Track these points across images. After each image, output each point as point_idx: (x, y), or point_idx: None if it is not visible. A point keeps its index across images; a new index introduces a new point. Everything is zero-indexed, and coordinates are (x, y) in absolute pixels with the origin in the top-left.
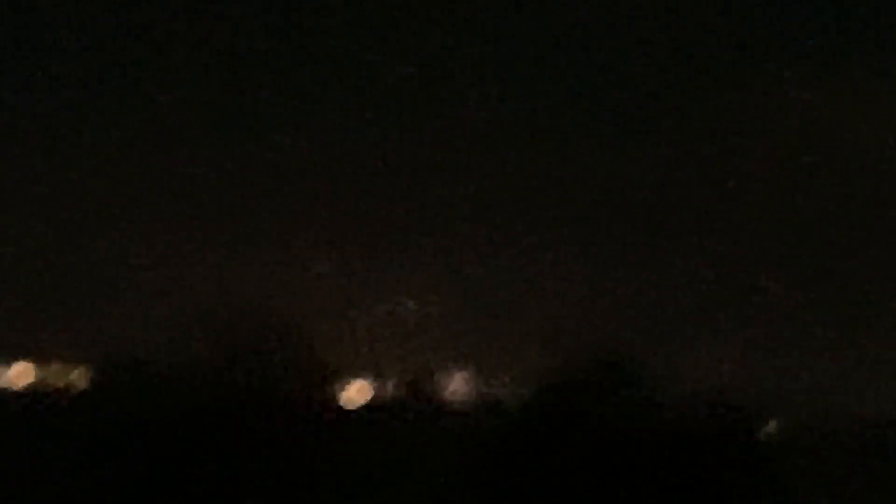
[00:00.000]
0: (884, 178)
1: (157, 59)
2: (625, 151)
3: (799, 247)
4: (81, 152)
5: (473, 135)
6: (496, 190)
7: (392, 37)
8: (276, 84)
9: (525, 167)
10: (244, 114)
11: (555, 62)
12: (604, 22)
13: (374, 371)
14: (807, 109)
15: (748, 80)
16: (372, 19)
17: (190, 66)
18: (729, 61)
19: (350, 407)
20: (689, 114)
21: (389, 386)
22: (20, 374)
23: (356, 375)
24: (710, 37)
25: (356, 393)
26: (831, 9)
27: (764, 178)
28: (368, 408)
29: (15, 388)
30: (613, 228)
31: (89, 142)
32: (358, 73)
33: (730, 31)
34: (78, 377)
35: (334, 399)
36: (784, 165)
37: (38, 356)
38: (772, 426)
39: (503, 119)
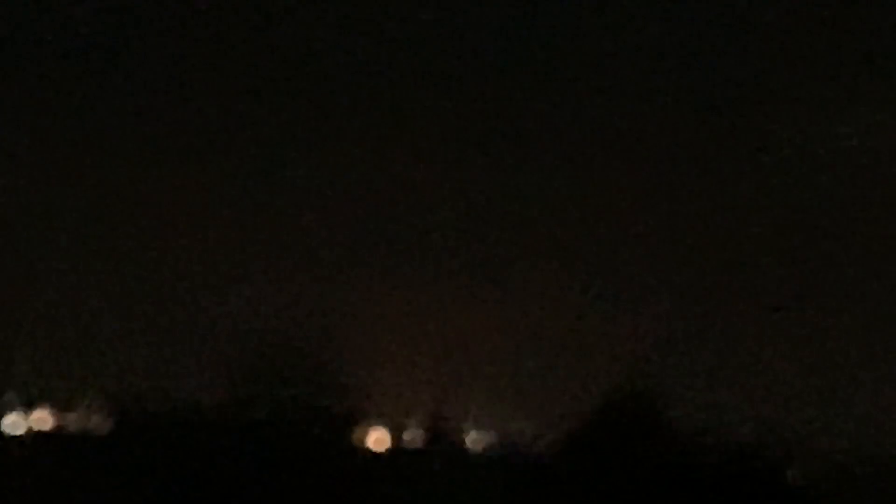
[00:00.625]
0: None
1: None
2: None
3: (832, 286)
4: (90, 183)
5: (501, 172)
6: (527, 240)
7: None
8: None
9: (551, 198)
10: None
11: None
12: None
13: (395, 418)
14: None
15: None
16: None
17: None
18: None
19: (370, 453)
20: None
21: (410, 434)
22: (40, 420)
23: (376, 423)
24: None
25: (375, 441)
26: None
27: (806, 208)
28: (388, 455)
29: (34, 433)
30: (636, 268)
31: (100, 171)
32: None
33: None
34: (98, 422)
35: (355, 445)
36: (829, 194)
37: (58, 401)
38: (799, 470)
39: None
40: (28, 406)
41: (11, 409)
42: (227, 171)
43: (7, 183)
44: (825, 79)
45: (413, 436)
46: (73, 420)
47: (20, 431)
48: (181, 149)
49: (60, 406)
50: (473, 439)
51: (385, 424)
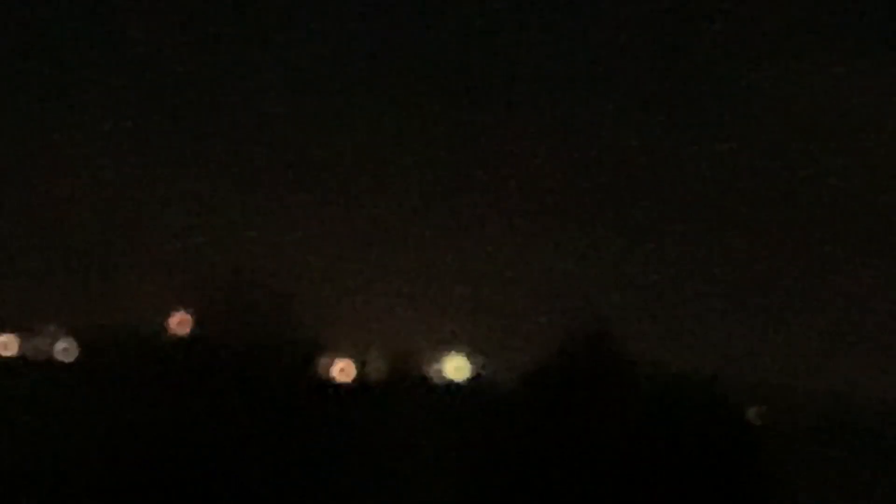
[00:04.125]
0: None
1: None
2: (629, 126)
3: (800, 232)
4: (68, 119)
5: (468, 115)
6: (488, 169)
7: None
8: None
9: (516, 144)
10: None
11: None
12: None
13: (361, 350)
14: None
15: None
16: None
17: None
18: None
19: (336, 384)
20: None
21: (374, 365)
22: (4, 345)
23: (343, 354)
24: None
25: (340, 372)
26: None
27: (766, 160)
28: (352, 386)
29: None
30: (605, 211)
31: (78, 110)
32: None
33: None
34: (63, 349)
35: (321, 376)
36: (794, 150)
37: (22, 328)
38: (760, 409)
39: (501, 98)
40: None
41: None
42: (191, 101)
43: None
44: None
45: (377, 367)
46: (38, 346)
47: None
48: (143, 74)
49: (23, 332)
50: (437, 371)
51: (350, 355)
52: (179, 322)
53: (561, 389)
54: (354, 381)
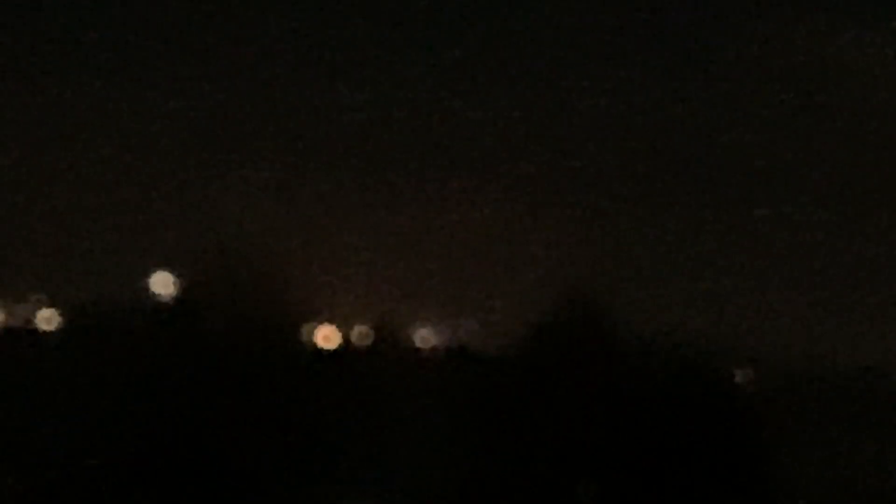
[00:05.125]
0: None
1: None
2: (613, 86)
3: (781, 193)
4: (55, 88)
5: (448, 101)
6: (471, 150)
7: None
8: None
9: (497, 127)
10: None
11: None
12: None
13: (344, 316)
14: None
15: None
16: None
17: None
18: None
19: (321, 350)
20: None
21: (358, 332)
22: None
23: (327, 321)
24: None
25: (324, 338)
26: None
27: (748, 121)
28: (339, 352)
29: None
30: (584, 176)
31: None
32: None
33: None
34: (46, 318)
35: (306, 343)
36: (774, 108)
37: (4, 297)
38: (746, 371)
39: (484, 65)
40: None
41: None
42: (185, 71)
43: None
44: None
45: (362, 334)
46: (19, 314)
47: None
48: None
49: (9, 301)
50: (421, 337)
51: (334, 322)
52: (162, 283)
53: (540, 355)
54: (338, 347)
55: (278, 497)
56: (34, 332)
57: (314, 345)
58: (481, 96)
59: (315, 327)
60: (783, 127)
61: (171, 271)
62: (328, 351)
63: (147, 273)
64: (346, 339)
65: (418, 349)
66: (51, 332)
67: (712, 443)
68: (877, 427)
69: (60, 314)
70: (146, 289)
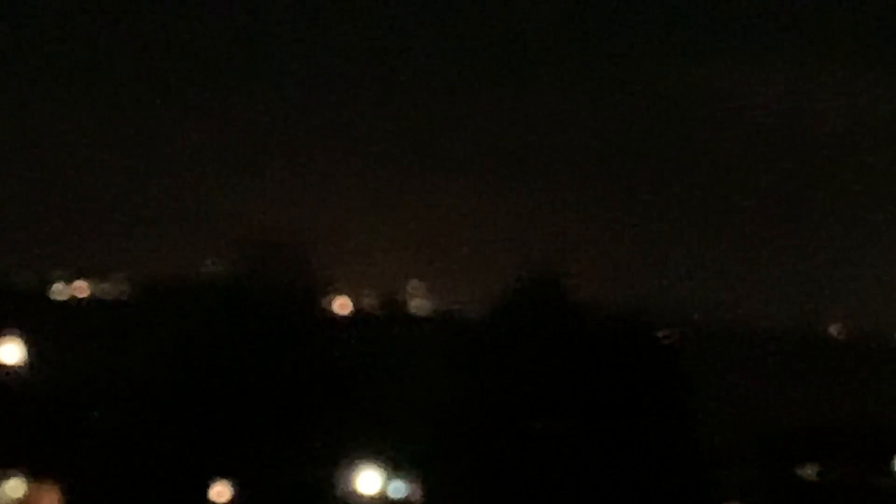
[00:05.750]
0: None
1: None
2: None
3: (710, 165)
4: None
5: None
6: (464, 147)
7: None
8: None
9: (485, 123)
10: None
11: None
12: None
13: (356, 290)
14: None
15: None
16: None
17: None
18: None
19: (336, 316)
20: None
21: (367, 301)
22: (80, 288)
23: (341, 293)
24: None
25: (339, 306)
26: None
27: (669, 137)
28: (350, 317)
29: (76, 299)
30: (548, 177)
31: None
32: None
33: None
34: (122, 290)
35: (324, 309)
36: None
37: (91, 275)
38: (675, 330)
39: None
40: (70, 279)
41: (58, 280)
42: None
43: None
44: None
45: (369, 302)
46: (103, 289)
47: (64, 297)
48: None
49: (93, 278)
50: (416, 306)
51: (347, 294)
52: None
53: (514, 319)
54: (350, 313)
55: (309, 419)
56: (116, 301)
57: (331, 311)
58: (473, 106)
59: (332, 298)
60: (690, 139)
61: (217, 255)
62: (342, 316)
63: (198, 254)
64: (357, 306)
65: (414, 315)
66: (126, 302)
67: (648, 387)
68: (781, 375)
69: (134, 288)
70: (198, 268)
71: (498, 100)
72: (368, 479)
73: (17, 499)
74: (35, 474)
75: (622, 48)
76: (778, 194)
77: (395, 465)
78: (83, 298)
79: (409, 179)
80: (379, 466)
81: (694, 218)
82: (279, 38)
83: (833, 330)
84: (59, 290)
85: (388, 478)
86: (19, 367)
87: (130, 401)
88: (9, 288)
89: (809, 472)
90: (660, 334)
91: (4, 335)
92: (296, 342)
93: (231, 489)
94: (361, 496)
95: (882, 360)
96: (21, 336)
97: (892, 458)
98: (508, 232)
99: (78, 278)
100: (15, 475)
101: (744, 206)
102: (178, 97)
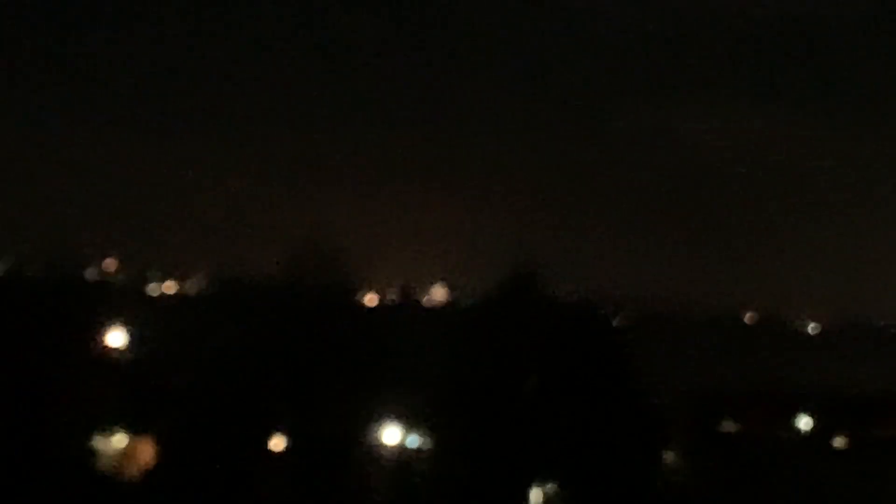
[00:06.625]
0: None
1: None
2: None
3: (656, 190)
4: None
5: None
6: (470, 166)
7: None
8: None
9: (484, 146)
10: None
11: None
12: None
13: (382, 286)
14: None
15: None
16: None
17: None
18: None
19: (366, 307)
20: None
21: (390, 295)
22: (168, 287)
23: (370, 289)
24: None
25: (369, 300)
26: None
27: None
28: (378, 308)
29: (166, 294)
30: (529, 187)
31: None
32: None
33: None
34: (204, 288)
35: (357, 302)
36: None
37: (180, 275)
38: (625, 315)
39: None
40: (162, 279)
41: (152, 280)
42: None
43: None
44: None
45: (392, 296)
46: (188, 286)
47: (157, 294)
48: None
49: (180, 278)
50: (427, 299)
51: (375, 290)
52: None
53: (501, 310)
54: (377, 305)
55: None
56: (197, 296)
57: (363, 304)
58: (470, 130)
59: (364, 293)
60: (640, 171)
61: (277, 262)
62: (371, 308)
63: (259, 261)
64: (382, 300)
65: (426, 306)
66: (205, 297)
67: (604, 359)
68: (707, 351)
69: (212, 284)
70: (260, 272)
71: (495, 128)
72: (390, 433)
73: (121, 449)
74: (135, 431)
75: (586, 92)
76: (705, 213)
77: (411, 422)
78: (172, 294)
79: (423, 198)
80: (399, 423)
81: (643, 230)
82: (322, 85)
83: (746, 318)
84: (154, 288)
85: (406, 432)
86: (123, 349)
87: (208, 374)
88: (114, 287)
89: (729, 427)
90: (613, 318)
91: (112, 324)
92: (336, 327)
93: (285, 441)
94: (385, 446)
95: (784, 340)
96: (124, 325)
97: (792, 416)
98: (497, 241)
99: (168, 278)
100: (119, 431)
101: (680, 222)
102: (249, 134)
